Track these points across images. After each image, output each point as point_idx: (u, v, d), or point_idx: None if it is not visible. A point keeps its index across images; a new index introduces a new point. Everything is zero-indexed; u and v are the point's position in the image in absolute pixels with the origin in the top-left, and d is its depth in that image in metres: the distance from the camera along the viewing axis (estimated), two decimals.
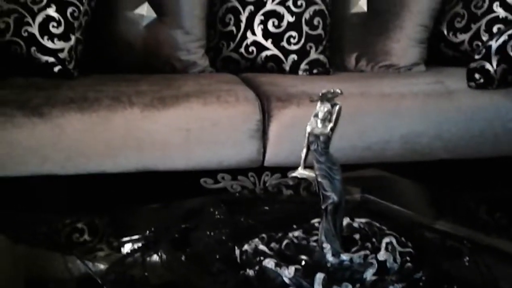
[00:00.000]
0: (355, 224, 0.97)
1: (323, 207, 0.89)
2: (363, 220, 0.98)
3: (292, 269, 0.82)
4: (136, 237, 1.02)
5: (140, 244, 0.99)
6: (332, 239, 0.89)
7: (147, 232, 1.02)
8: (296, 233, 0.96)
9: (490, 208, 1.31)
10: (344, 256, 0.87)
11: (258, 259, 0.87)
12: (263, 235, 0.94)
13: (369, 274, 0.83)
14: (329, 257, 0.86)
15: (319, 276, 0.80)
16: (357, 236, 0.93)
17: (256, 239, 0.93)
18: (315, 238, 0.94)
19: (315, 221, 1.01)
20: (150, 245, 0.97)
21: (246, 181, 1.81)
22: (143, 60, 2.11)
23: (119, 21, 2.09)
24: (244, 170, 1.79)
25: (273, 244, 0.92)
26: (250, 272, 0.85)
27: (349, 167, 1.19)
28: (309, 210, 1.00)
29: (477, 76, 1.93)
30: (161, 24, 2.12)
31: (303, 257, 0.86)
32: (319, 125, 0.88)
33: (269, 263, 0.84)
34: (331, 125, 0.87)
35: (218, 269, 0.87)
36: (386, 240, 0.90)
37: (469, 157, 1.91)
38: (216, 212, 1.08)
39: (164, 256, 0.92)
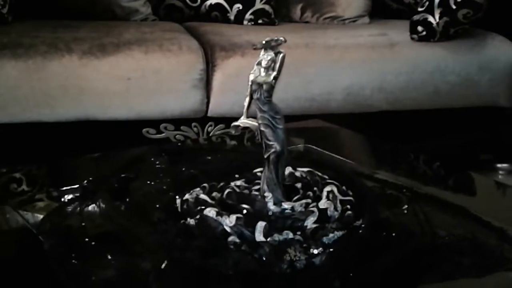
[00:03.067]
0: (297, 174, 0.97)
1: (265, 156, 0.89)
2: (305, 169, 0.98)
3: (233, 218, 0.82)
4: (74, 187, 0.99)
5: (78, 194, 0.97)
6: (274, 188, 0.89)
7: (85, 181, 0.99)
8: (238, 183, 0.95)
9: (428, 158, 1.34)
10: (286, 205, 0.87)
11: (199, 208, 0.86)
12: (205, 184, 0.93)
13: (309, 222, 0.84)
14: (271, 206, 0.86)
15: (260, 225, 0.80)
16: (299, 185, 0.93)
17: (198, 189, 0.92)
18: (257, 187, 0.94)
19: (257, 170, 1.00)
20: (88, 195, 0.95)
21: (190, 131, 1.79)
22: (82, 5, 2.03)
23: None
24: (187, 120, 1.77)
25: (214, 194, 0.91)
26: (191, 221, 0.84)
27: (293, 118, 1.19)
28: (252, 160, 0.99)
29: (419, 28, 1.95)
30: None
31: (245, 206, 0.86)
32: (262, 73, 0.87)
33: (210, 212, 0.84)
34: (274, 73, 0.86)
35: (158, 218, 0.86)
36: (327, 188, 0.91)
37: (410, 109, 1.95)
38: (157, 162, 1.06)
39: (102, 206, 0.90)
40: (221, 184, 0.95)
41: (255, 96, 0.87)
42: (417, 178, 1.23)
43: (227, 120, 1.76)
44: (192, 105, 1.75)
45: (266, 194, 0.87)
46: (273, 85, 0.86)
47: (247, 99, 0.91)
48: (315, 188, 0.92)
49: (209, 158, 1.07)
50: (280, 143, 0.87)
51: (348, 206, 0.90)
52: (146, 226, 0.84)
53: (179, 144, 1.15)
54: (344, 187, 0.95)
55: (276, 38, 0.87)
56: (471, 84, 1.98)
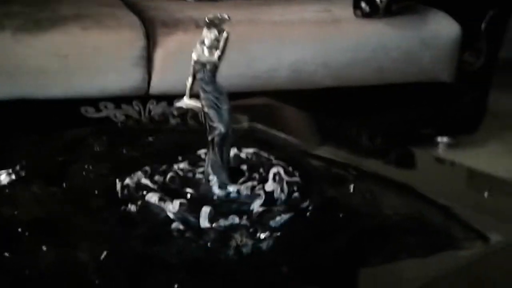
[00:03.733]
0: (243, 155, 0.94)
1: (209, 138, 0.85)
2: (250, 150, 0.96)
3: (176, 203, 0.78)
4: (6, 170, 0.93)
5: (10, 178, 0.91)
6: (218, 171, 0.86)
7: (18, 165, 0.93)
8: (182, 165, 0.92)
9: (373, 135, 1.34)
10: (231, 188, 0.84)
11: (140, 193, 0.82)
12: (146, 167, 0.90)
13: (256, 206, 0.81)
14: (216, 190, 0.83)
15: (205, 210, 0.77)
16: (244, 167, 0.91)
17: (139, 172, 0.88)
18: (201, 169, 0.91)
19: (201, 152, 0.97)
20: (21, 179, 0.90)
21: (131, 109, 1.73)
22: None
23: None
24: (128, 98, 1.72)
25: (157, 177, 0.88)
26: (132, 208, 0.80)
27: (237, 96, 1.16)
28: (195, 140, 0.95)
29: (363, 5, 1.94)
30: None
31: (189, 190, 0.83)
32: (206, 52, 0.83)
33: (152, 197, 0.80)
34: (218, 52, 0.83)
35: (97, 205, 0.82)
36: (273, 170, 0.88)
37: (354, 85, 1.94)
38: (97, 144, 1.01)
39: (37, 192, 0.85)
40: (164, 167, 0.91)
41: (198, 76, 0.84)
42: (361, 155, 1.22)
43: (169, 98, 1.72)
44: (132, 83, 1.69)
45: (210, 177, 0.84)
46: (217, 65, 0.83)
47: (190, 79, 0.88)
48: (261, 170, 0.90)
49: (151, 139, 1.02)
50: (224, 124, 0.85)
51: (295, 188, 0.88)
52: (84, 214, 0.80)
53: (119, 124, 1.10)
54: (290, 168, 0.93)
55: (219, 15, 0.83)
56: (414, 60, 1.99)
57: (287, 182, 0.88)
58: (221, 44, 0.83)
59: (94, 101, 1.69)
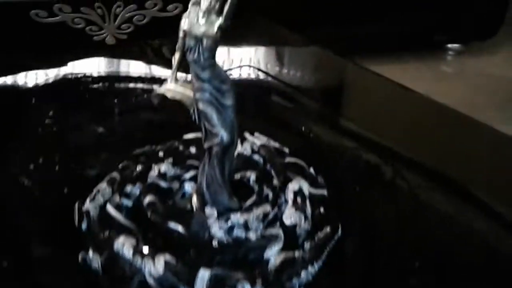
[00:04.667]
0: (246, 150, 0.68)
1: (205, 146, 0.58)
2: (256, 140, 0.69)
3: (160, 263, 0.52)
4: None
5: None
6: (217, 190, 0.59)
7: None
8: (163, 168, 0.65)
9: None
10: (235, 218, 0.58)
11: (105, 233, 0.56)
12: (114, 174, 0.63)
13: (272, 255, 0.56)
14: (215, 230, 0.57)
15: (202, 276, 0.52)
16: (251, 176, 0.64)
17: (104, 185, 0.61)
18: (190, 175, 0.65)
19: (189, 136, 0.71)
20: None
21: (93, 14, 1.41)
22: None
23: None
24: None
25: (128, 192, 0.61)
26: (94, 261, 0.54)
27: None
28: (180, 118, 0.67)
29: None
30: None
31: (175, 226, 0.57)
32: (201, 20, 0.54)
33: (124, 246, 0.54)
34: (220, 21, 0.53)
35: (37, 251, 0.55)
36: (293, 186, 0.62)
37: None
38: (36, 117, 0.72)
39: None
40: (139, 169, 0.65)
41: (191, 56, 0.55)
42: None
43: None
44: None
45: (208, 211, 0.58)
46: (217, 40, 0.54)
47: (177, 56, 0.59)
48: (274, 181, 0.64)
49: (119, 115, 0.73)
50: (228, 129, 0.57)
51: (321, 210, 0.62)
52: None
53: (71, 78, 0.80)
54: (312, 169, 0.67)
55: None
56: None
57: (311, 198, 0.63)
58: (227, 7, 0.53)
59: (46, 4, 1.36)
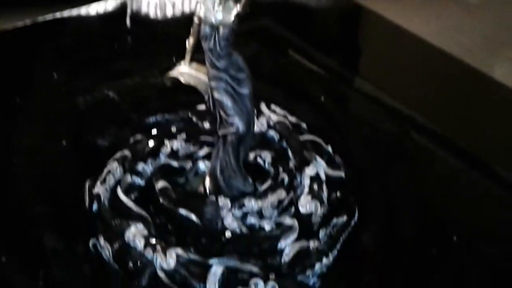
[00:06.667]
0: (263, 126, 0.66)
1: (220, 133, 0.56)
2: (273, 116, 0.67)
3: (172, 256, 0.52)
4: None
5: None
6: (232, 176, 0.58)
7: None
8: (175, 145, 0.63)
9: None
10: (249, 204, 0.57)
11: (117, 221, 0.55)
12: (125, 152, 0.62)
13: (287, 245, 0.55)
14: (229, 221, 0.56)
15: (215, 272, 0.52)
16: (267, 158, 0.63)
17: (114, 165, 0.60)
18: (204, 152, 0.64)
19: (203, 108, 0.68)
20: None
21: None
22: None
23: None
24: None
25: (141, 168, 0.60)
26: (106, 250, 0.54)
27: None
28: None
29: None
30: None
31: (190, 216, 0.56)
32: (218, 7, 0.50)
33: (135, 237, 0.53)
34: (237, 8, 0.50)
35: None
36: (309, 171, 0.61)
37: None
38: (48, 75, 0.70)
39: None
40: (151, 145, 0.63)
41: (206, 44, 0.52)
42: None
43: None
44: None
45: (221, 202, 0.57)
46: (234, 28, 0.51)
47: (191, 40, 0.56)
48: (290, 163, 0.62)
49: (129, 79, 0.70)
50: (244, 119, 0.55)
51: (338, 194, 0.61)
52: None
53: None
54: (330, 147, 0.66)
55: None
56: None
57: (328, 181, 0.62)
58: None
59: None
